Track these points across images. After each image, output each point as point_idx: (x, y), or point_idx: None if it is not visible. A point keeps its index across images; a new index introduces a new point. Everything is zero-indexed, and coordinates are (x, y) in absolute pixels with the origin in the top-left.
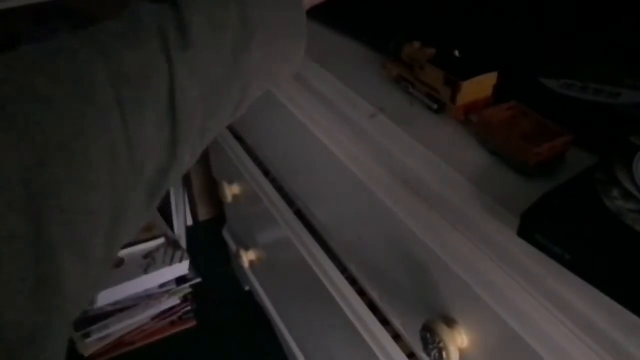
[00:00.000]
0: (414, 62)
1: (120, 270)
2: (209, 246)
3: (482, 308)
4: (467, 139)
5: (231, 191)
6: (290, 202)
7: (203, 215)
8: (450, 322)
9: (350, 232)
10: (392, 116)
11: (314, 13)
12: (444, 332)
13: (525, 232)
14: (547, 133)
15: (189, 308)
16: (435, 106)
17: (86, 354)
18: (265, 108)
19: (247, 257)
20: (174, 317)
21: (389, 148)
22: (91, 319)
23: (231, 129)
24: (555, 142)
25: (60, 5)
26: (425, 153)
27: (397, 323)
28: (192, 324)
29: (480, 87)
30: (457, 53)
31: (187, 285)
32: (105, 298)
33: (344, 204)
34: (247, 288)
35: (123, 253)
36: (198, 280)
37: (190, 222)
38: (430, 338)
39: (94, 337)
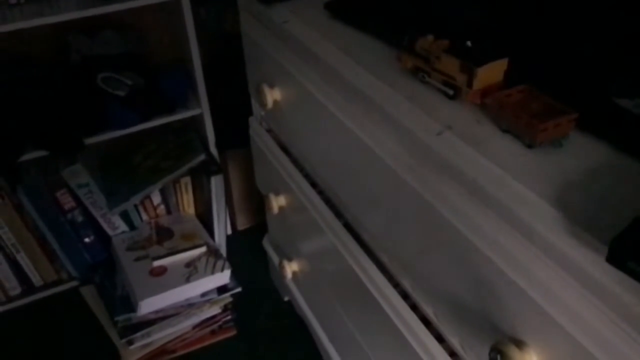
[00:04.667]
0: (429, 53)
1: (162, 278)
2: (247, 255)
3: (562, 334)
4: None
5: (277, 203)
6: (337, 213)
7: (242, 224)
8: (519, 344)
9: (409, 249)
10: (460, 134)
11: (337, 15)
12: (516, 354)
13: (616, 259)
14: (554, 112)
15: (229, 317)
16: (451, 92)
17: None
18: (316, 120)
19: (291, 268)
20: (215, 326)
21: (459, 166)
22: (134, 327)
23: (278, 141)
24: (560, 119)
25: (108, 18)
26: (498, 172)
27: (454, 341)
28: (232, 333)
29: (493, 72)
30: (468, 43)
31: (228, 294)
32: (148, 306)
33: (404, 220)
34: (286, 298)
35: (166, 261)
36: (238, 289)
37: (229, 232)
38: None
39: (137, 344)
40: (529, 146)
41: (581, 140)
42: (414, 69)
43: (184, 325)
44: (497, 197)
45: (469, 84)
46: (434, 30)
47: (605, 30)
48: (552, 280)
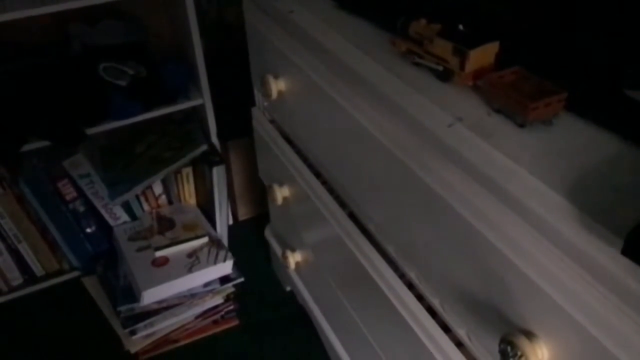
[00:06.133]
0: (423, 37)
1: (165, 268)
2: (249, 246)
3: (573, 326)
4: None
5: (281, 193)
6: (341, 204)
7: (243, 215)
8: (529, 335)
9: (415, 239)
10: (470, 125)
11: (343, 4)
12: (526, 345)
13: (632, 251)
14: (545, 92)
15: (231, 307)
16: (440, 68)
17: (132, 350)
18: (322, 111)
19: (293, 259)
20: (217, 316)
21: (470, 158)
22: (137, 317)
23: (281, 131)
24: (551, 98)
25: (109, 7)
26: (510, 165)
27: (461, 332)
28: (234, 323)
29: (484, 55)
30: (460, 27)
31: (231, 284)
32: (151, 296)
33: (410, 209)
34: (288, 288)
35: (168, 251)
36: (241, 279)
37: (230, 222)
38: (510, 351)
39: (140, 334)
40: (521, 125)
41: (572, 119)
42: (408, 53)
43: (187, 315)
44: (508, 189)
45: (462, 67)
46: (426, 14)
47: (600, 11)
48: (563, 271)
